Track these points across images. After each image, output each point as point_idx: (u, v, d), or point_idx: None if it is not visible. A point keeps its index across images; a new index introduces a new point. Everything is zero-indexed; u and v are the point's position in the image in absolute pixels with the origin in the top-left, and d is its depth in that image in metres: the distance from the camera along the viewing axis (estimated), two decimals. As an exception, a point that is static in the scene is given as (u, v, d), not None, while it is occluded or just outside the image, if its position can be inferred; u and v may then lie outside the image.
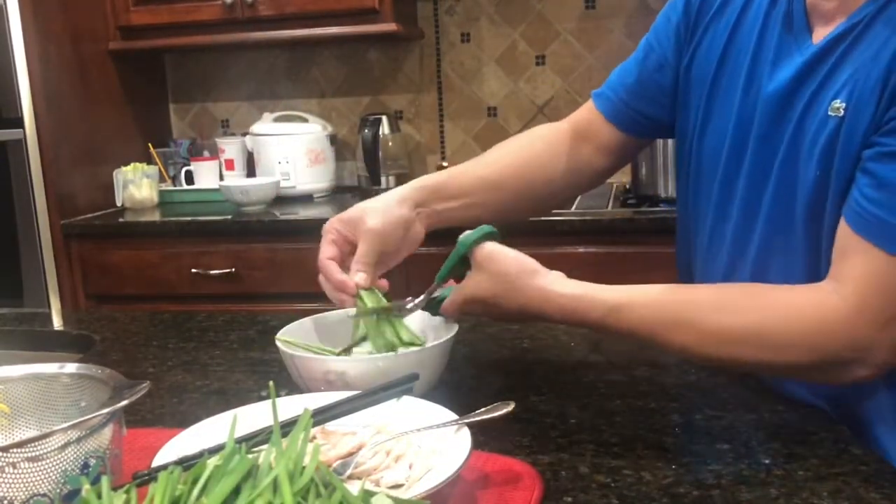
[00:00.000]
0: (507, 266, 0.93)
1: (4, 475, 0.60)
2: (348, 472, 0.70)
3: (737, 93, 0.99)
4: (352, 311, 1.00)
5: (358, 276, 1.00)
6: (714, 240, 1.03)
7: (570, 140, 1.17)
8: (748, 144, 0.97)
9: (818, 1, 0.93)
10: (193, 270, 2.44)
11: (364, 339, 1.01)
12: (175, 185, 2.87)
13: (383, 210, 1.05)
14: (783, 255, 0.94)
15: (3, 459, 0.60)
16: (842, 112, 0.86)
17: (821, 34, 0.92)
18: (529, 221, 2.18)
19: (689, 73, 1.06)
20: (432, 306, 0.99)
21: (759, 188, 0.96)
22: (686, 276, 1.12)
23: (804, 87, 0.92)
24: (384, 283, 1.04)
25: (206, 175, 2.79)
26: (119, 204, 2.72)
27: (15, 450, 0.61)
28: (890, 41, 0.84)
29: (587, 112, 1.17)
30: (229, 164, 2.80)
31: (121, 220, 2.56)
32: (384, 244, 1.03)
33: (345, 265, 1.03)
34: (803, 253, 0.92)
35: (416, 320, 1.04)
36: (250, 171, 2.82)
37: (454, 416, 0.77)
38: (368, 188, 2.76)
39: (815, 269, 0.91)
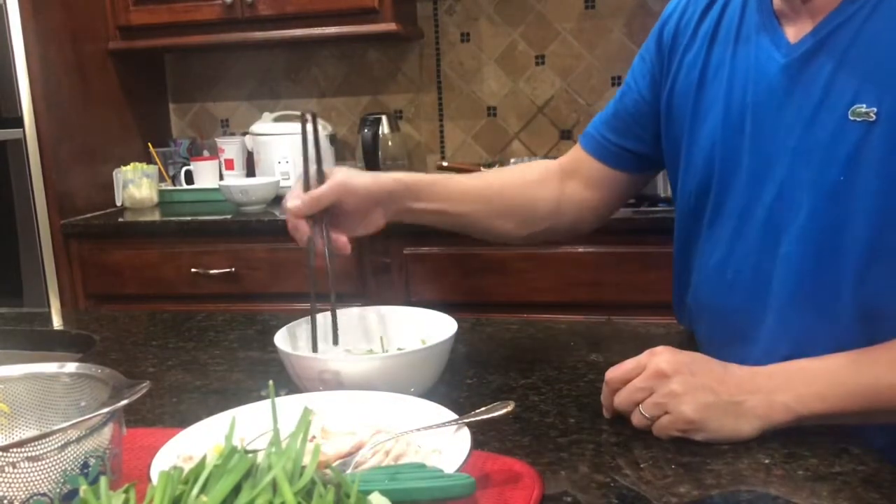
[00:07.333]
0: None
1: (4, 475, 0.60)
2: (348, 472, 0.70)
3: (719, 105, 0.99)
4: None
5: (291, 203, 0.98)
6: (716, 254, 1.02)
7: (559, 174, 1.21)
8: (742, 153, 0.97)
9: None
10: (193, 270, 2.43)
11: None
12: (175, 185, 2.86)
13: (359, 174, 1.04)
14: (784, 261, 0.93)
15: (3, 459, 0.60)
16: (873, 117, 0.85)
17: (797, 32, 0.92)
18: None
19: (670, 103, 1.07)
20: None
21: (755, 194, 0.96)
22: (686, 307, 1.11)
23: (800, 89, 0.91)
24: (344, 241, 1.01)
25: (205, 175, 2.79)
26: (119, 204, 2.72)
27: (15, 450, 0.61)
28: None
29: (574, 152, 1.22)
30: (229, 164, 2.80)
31: (120, 219, 2.56)
32: (343, 195, 1.00)
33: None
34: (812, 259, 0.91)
35: (416, 320, 1.04)
36: (250, 171, 2.81)
37: (454, 416, 0.77)
38: (368, 188, 2.76)
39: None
